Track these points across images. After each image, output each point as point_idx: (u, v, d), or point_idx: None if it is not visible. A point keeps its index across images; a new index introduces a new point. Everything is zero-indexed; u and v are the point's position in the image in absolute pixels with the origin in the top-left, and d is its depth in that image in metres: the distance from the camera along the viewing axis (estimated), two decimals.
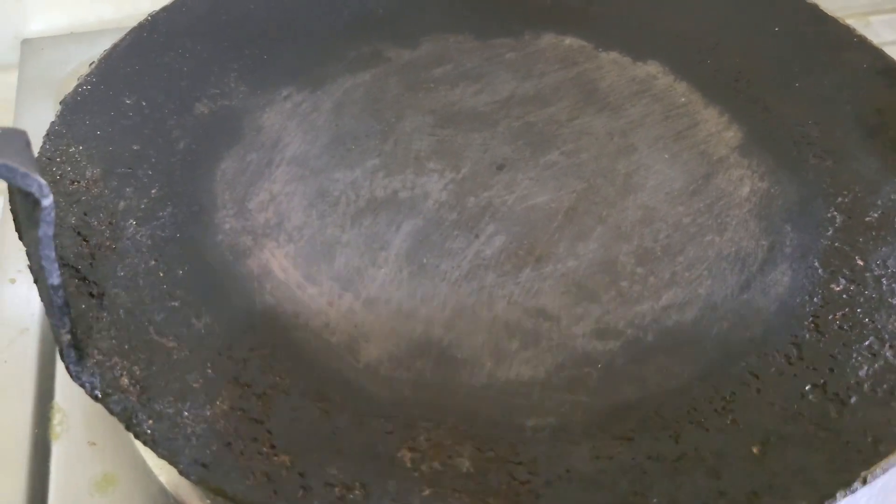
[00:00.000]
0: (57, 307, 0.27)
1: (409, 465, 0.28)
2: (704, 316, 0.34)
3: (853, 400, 0.30)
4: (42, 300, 0.29)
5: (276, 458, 0.28)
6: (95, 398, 0.29)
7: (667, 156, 0.41)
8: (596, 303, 0.34)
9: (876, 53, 0.43)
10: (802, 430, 0.29)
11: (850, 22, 0.49)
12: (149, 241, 0.35)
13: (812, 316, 0.33)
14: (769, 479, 0.28)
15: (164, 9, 0.45)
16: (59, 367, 0.37)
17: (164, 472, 0.33)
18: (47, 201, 0.26)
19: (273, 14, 0.46)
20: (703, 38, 0.46)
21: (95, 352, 0.30)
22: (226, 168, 0.39)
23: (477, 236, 0.37)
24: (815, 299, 0.34)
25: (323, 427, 0.29)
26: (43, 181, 0.26)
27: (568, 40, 0.47)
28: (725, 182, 0.39)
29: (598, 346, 0.33)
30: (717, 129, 0.42)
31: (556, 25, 0.47)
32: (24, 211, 0.27)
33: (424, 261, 0.36)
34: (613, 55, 0.46)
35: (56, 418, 0.35)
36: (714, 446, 0.29)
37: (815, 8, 0.46)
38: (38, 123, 0.42)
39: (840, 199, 0.38)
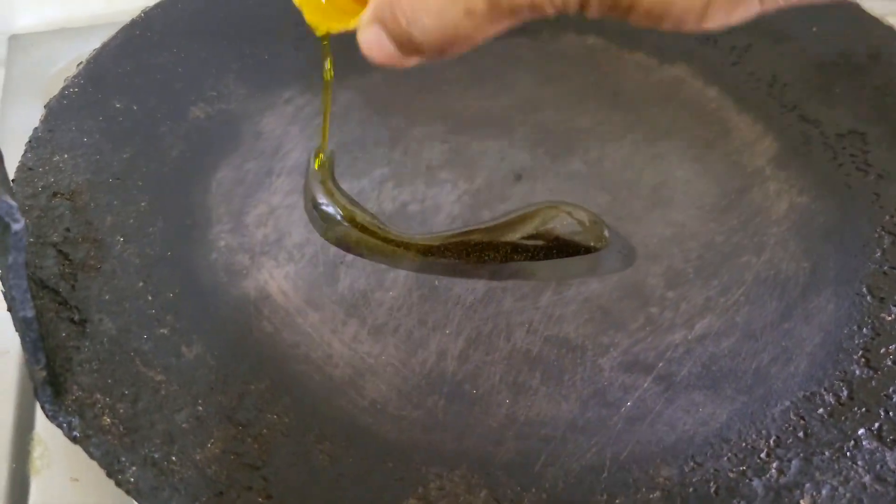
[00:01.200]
0: (31, 341, 0.25)
1: None
2: (743, 347, 0.31)
3: None
4: (17, 331, 0.26)
5: None
6: (74, 440, 0.26)
7: (697, 166, 0.38)
8: (623, 331, 0.31)
9: None
10: (857, 481, 0.26)
11: (893, 21, 0.46)
12: (137, 261, 0.32)
13: (862, 349, 0.30)
14: None
15: (159, 5, 0.42)
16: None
17: None
18: (18, 226, 0.23)
19: (275, 10, 0.43)
20: (734, 39, 0.43)
21: (75, 387, 0.27)
22: (222, 178, 0.36)
23: (493, 256, 0.34)
24: (865, 330, 0.31)
25: (324, 474, 0.27)
26: (13, 203, 0.23)
27: (590, 40, 0.44)
28: (761, 197, 0.36)
29: (626, 380, 0.30)
30: (751, 138, 0.39)
31: (576, 24, 0.44)
32: None
33: (436, 283, 0.33)
34: (638, 56, 0.43)
35: (36, 451, 0.32)
36: (758, 499, 0.26)
37: (856, 7, 0.43)
38: (24, 124, 0.39)
39: (888, 216, 0.35)
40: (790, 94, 0.40)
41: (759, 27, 0.43)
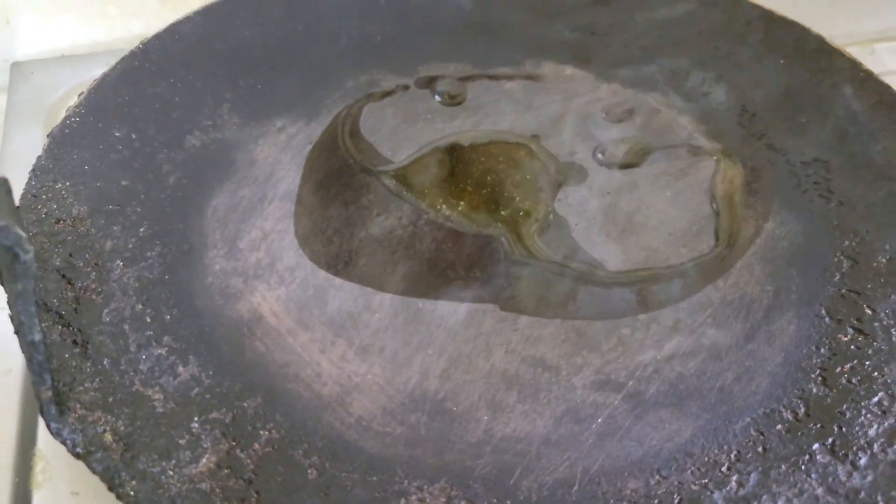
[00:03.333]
0: (37, 363, 0.26)
1: None
2: (708, 367, 0.33)
3: (863, 461, 0.29)
4: (23, 354, 0.28)
5: None
6: (77, 455, 0.28)
7: (669, 193, 0.40)
8: (596, 351, 0.33)
9: (884, 89, 0.42)
10: (810, 493, 0.28)
11: (855, 49, 0.48)
12: (136, 284, 0.34)
13: (819, 368, 0.32)
14: None
15: (157, 36, 0.44)
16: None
17: None
18: (28, 255, 0.25)
19: (269, 42, 0.45)
20: (706, 70, 0.45)
21: (78, 406, 0.29)
22: (217, 204, 0.38)
23: (475, 278, 0.36)
24: (823, 350, 0.33)
25: (313, 486, 0.28)
26: (23, 233, 0.25)
27: (569, 70, 0.46)
28: (729, 222, 0.38)
29: (597, 398, 0.32)
30: (721, 165, 0.41)
31: (556, 55, 0.46)
32: (4, 263, 0.26)
33: (420, 305, 0.35)
34: (615, 86, 0.45)
35: (38, 466, 0.34)
36: None
37: (822, 40, 0.45)
38: (26, 149, 0.41)
39: (847, 242, 0.37)
40: (759, 124, 0.42)
41: (730, 59, 0.45)
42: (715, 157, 0.41)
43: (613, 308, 0.35)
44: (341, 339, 0.33)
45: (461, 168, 0.41)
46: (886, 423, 0.30)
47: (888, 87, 0.43)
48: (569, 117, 0.43)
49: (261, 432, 0.30)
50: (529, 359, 0.33)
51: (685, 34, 0.46)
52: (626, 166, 0.41)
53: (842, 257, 0.36)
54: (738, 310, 0.35)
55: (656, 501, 0.28)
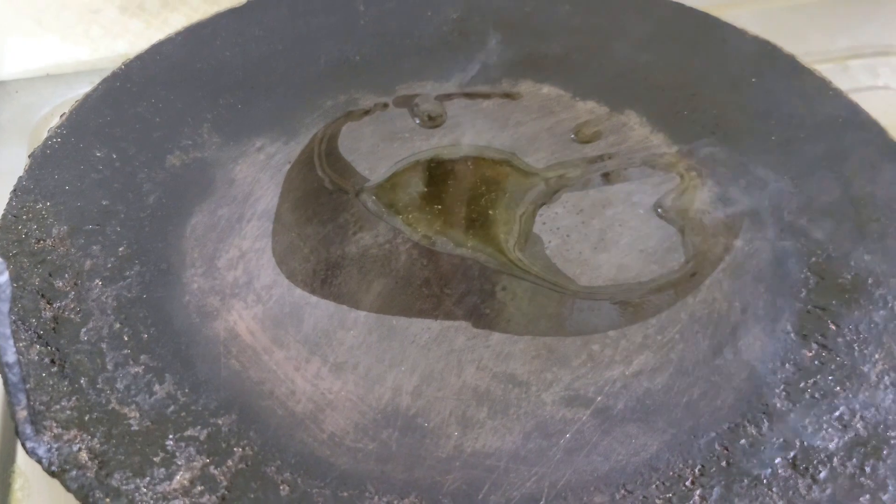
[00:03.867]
0: (12, 384, 0.27)
1: None
2: (675, 382, 0.33)
3: (822, 475, 0.30)
4: None
5: None
6: (52, 474, 0.28)
7: (641, 211, 0.41)
8: (566, 367, 0.34)
9: (853, 108, 0.43)
10: None
11: (829, 66, 0.49)
12: (114, 303, 0.34)
13: (784, 384, 0.33)
14: None
15: (138, 57, 0.45)
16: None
17: None
18: (3, 278, 0.26)
19: (249, 62, 0.46)
20: (680, 89, 0.46)
21: (54, 424, 0.30)
22: (196, 223, 0.39)
23: (448, 296, 0.36)
24: (787, 366, 0.34)
25: (284, 501, 0.29)
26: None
27: (545, 89, 0.47)
28: (700, 240, 0.39)
29: (566, 414, 0.32)
30: (693, 182, 0.42)
31: (534, 73, 0.47)
32: None
33: (394, 322, 0.35)
34: (591, 104, 0.46)
35: (17, 482, 0.34)
36: None
37: (793, 59, 0.46)
38: (10, 168, 0.42)
39: (814, 258, 0.38)
40: (731, 141, 0.43)
41: (705, 78, 0.46)
42: (686, 176, 0.42)
43: (584, 324, 0.36)
44: (316, 356, 0.34)
45: (438, 185, 0.41)
46: (847, 437, 0.30)
47: (858, 106, 0.44)
48: (544, 135, 0.44)
49: (235, 449, 0.30)
50: (500, 375, 0.34)
51: (660, 55, 0.47)
52: (602, 184, 0.42)
53: (808, 273, 0.37)
54: (707, 325, 0.35)
55: None
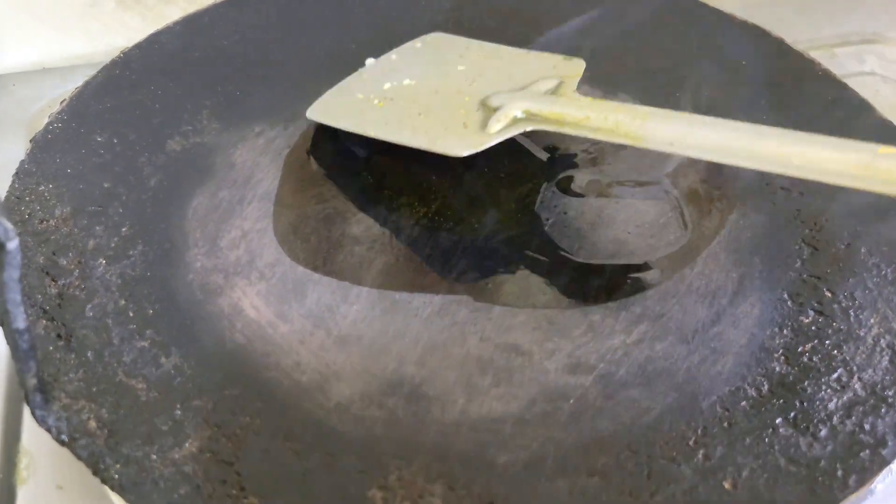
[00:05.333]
0: (22, 351, 0.27)
1: None
2: (676, 350, 0.34)
3: (823, 433, 0.30)
4: (7, 343, 0.28)
5: (245, 500, 0.28)
6: (62, 443, 0.29)
7: (638, 189, 0.41)
8: (567, 337, 0.34)
9: (840, 86, 0.44)
10: (773, 464, 0.29)
11: (817, 54, 0.50)
12: (118, 281, 0.35)
13: (782, 348, 0.33)
14: None
15: (137, 46, 0.45)
16: (27, 408, 0.36)
17: None
18: (13, 244, 0.26)
19: (247, 50, 0.46)
20: (671, 72, 0.46)
21: (62, 395, 0.30)
22: (197, 205, 0.39)
23: (450, 272, 0.37)
24: (785, 331, 0.34)
25: (293, 468, 0.29)
26: (9, 225, 0.25)
27: None
28: (696, 214, 0.40)
29: (570, 380, 0.33)
30: (686, 161, 0.42)
31: None
32: None
33: (397, 297, 0.36)
34: (584, 88, 0.46)
35: (23, 462, 0.34)
36: (686, 482, 0.29)
37: (781, 42, 0.47)
38: (8, 160, 0.42)
39: (808, 230, 0.38)
40: None
41: (695, 61, 0.47)
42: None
43: (584, 297, 0.36)
44: (320, 329, 0.34)
45: (437, 165, 0.42)
46: (845, 397, 0.31)
47: (845, 85, 0.45)
48: None
49: (242, 418, 0.30)
50: (503, 345, 0.34)
51: (652, 39, 0.48)
52: (596, 164, 0.42)
53: (803, 245, 0.38)
54: (704, 296, 0.36)
55: (626, 474, 0.29)
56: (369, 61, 0.45)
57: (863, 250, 0.37)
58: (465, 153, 0.37)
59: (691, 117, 0.36)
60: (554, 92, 0.39)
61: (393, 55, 0.45)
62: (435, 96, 0.41)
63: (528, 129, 0.37)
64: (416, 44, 0.46)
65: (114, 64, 0.44)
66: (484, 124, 0.38)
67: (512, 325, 0.35)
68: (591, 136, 0.36)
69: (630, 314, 0.35)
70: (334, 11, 0.48)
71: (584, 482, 0.29)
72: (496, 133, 0.37)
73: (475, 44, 0.45)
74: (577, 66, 0.41)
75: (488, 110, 0.39)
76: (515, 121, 0.38)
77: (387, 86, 0.42)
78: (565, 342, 0.34)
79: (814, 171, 0.32)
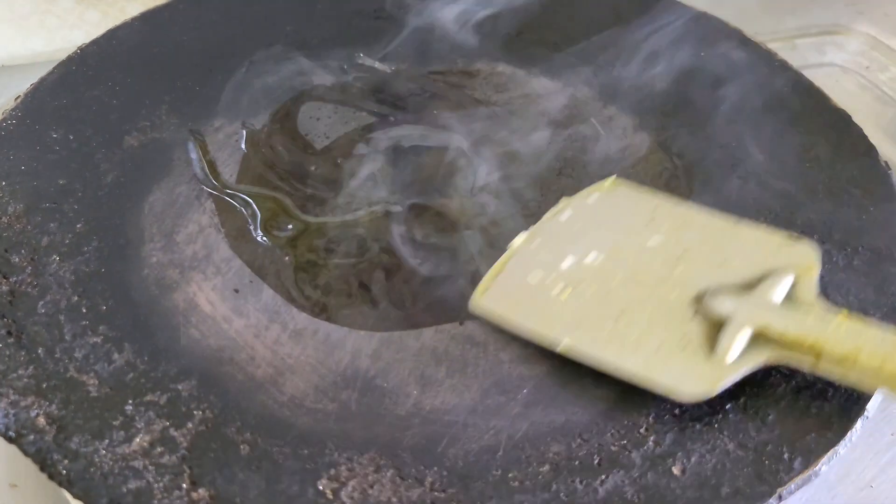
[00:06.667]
0: None
1: (329, 495, 0.28)
2: None
3: (771, 417, 0.30)
4: None
5: (195, 494, 0.28)
6: (9, 439, 0.28)
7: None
8: None
9: (797, 77, 0.45)
10: (722, 448, 0.30)
11: (777, 45, 0.50)
12: (72, 277, 0.34)
13: None
14: (691, 499, 0.28)
15: (94, 42, 0.45)
16: None
17: None
18: None
19: (206, 45, 0.46)
20: (626, 65, 0.46)
21: (10, 391, 0.29)
22: (154, 201, 0.39)
23: (404, 265, 0.37)
24: None
25: (245, 461, 0.29)
26: None
27: (500, 66, 0.47)
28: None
29: (523, 371, 0.33)
30: (648, 152, 0.43)
31: (489, 53, 0.48)
32: None
33: (353, 291, 0.36)
34: (544, 81, 0.47)
35: None
36: (637, 469, 0.29)
37: (740, 33, 0.47)
38: None
39: (762, 218, 0.38)
40: (683, 113, 0.44)
41: (655, 55, 0.47)
42: (642, 144, 0.43)
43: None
44: (275, 324, 0.34)
45: (397, 164, 0.42)
46: (793, 382, 0.31)
47: (802, 75, 0.45)
48: (500, 112, 0.45)
49: (195, 412, 0.30)
50: (458, 336, 0.34)
51: (609, 30, 0.48)
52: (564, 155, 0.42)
53: None
54: None
55: (577, 462, 0.29)
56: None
57: (814, 237, 0.37)
58: (696, 397, 0.29)
59: None
60: (792, 298, 0.31)
61: (566, 214, 0.36)
62: (632, 286, 0.33)
63: (771, 362, 0.30)
64: (589, 199, 0.37)
65: (70, 60, 0.43)
66: (708, 343, 0.30)
67: (468, 317, 0.35)
68: (854, 382, 0.29)
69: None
70: (294, 4, 0.48)
71: (535, 471, 0.29)
72: (733, 366, 0.30)
73: (663, 203, 0.37)
74: (811, 255, 0.33)
75: (708, 319, 0.31)
76: (752, 345, 0.30)
77: (566, 263, 0.34)
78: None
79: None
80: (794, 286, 0.31)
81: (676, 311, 0.31)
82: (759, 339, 0.30)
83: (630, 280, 0.33)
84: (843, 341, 0.29)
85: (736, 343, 0.30)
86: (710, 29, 0.47)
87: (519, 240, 0.36)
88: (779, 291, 0.31)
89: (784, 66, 0.45)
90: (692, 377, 0.30)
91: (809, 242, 0.34)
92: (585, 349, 0.32)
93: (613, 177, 0.39)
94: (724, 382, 0.29)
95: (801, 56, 0.57)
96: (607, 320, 0.32)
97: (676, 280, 0.33)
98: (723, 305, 0.31)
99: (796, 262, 0.32)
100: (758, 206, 0.39)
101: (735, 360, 0.30)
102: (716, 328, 0.30)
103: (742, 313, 0.30)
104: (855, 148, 0.41)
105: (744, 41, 0.47)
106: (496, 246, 0.37)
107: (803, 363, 0.29)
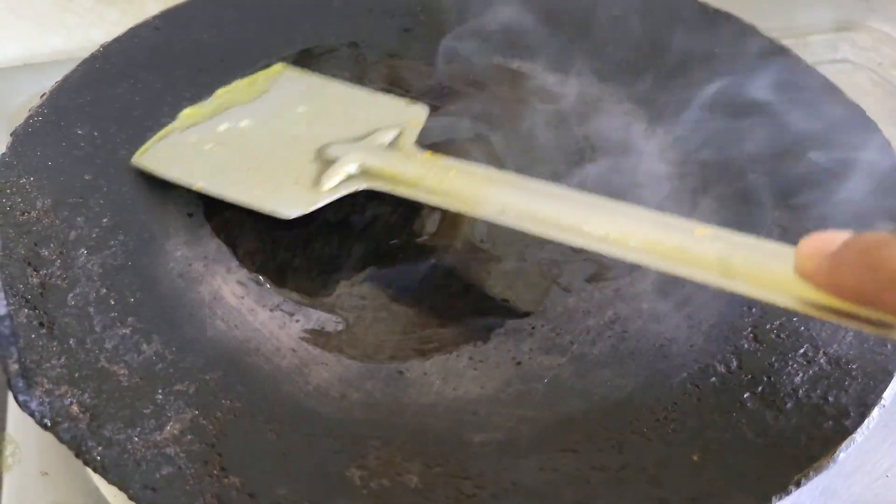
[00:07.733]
0: (3, 337, 0.28)
1: (358, 482, 0.29)
2: (647, 330, 0.35)
3: (789, 406, 0.31)
4: None
5: (226, 480, 0.28)
6: (45, 427, 0.29)
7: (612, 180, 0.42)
8: (543, 318, 0.35)
9: (810, 72, 0.45)
10: (740, 436, 0.30)
11: (790, 42, 0.51)
12: (100, 270, 0.35)
13: (751, 326, 0.34)
14: (708, 485, 0.29)
15: (116, 40, 0.45)
16: (12, 397, 0.36)
17: (117, 501, 0.33)
18: None
19: (226, 42, 0.47)
20: (639, 59, 0.47)
21: (45, 380, 0.30)
22: (178, 196, 0.39)
23: (430, 257, 0.38)
24: (754, 310, 0.35)
25: (273, 449, 0.30)
26: None
27: (515, 63, 0.48)
28: (674, 205, 0.40)
29: (544, 360, 0.34)
30: (662, 147, 0.43)
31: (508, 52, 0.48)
32: None
33: (377, 282, 0.36)
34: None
35: (8, 449, 0.35)
36: (656, 455, 0.30)
37: (753, 29, 0.48)
38: None
39: (777, 213, 0.39)
40: (694, 113, 0.44)
41: (669, 49, 0.47)
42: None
43: (559, 283, 0.37)
44: (300, 315, 0.35)
45: None
46: (811, 371, 0.32)
47: (814, 70, 0.45)
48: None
49: (223, 402, 0.31)
50: (479, 328, 0.35)
51: (624, 29, 0.48)
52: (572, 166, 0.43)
53: (772, 226, 0.38)
54: (676, 278, 0.37)
55: (598, 449, 0.30)
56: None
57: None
58: (292, 215, 0.35)
59: (532, 185, 0.33)
60: (393, 144, 0.37)
61: (232, 93, 0.42)
62: (271, 142, 0.39)
63: (363, 187, 0.35)
64: (260, 77, 0.43)
65: (93, 58, 0.44)
66: (317, 179, 0.36)
67: (490, 308, 0.35)
68: (424, 199, 0.34)
69: (604, 296, 0.36)
70: (312, 4, 0.49)
71: (556, 458, 0.30)
72: (328, 191, 0.35)
73: (322, 82, 0.42)
74: (420, 114, 0.38)
75: (324, 162, 0.36)
76: (350, 177, 0.36)
77: (222, 127, 0.40)
78: (541, 322, 0.35)
79: (629, 250, 0.31)
80: (399, 136, 0.37)
81: (299, 158, 0.37)
82: (364, 174, 0.36)
83: (271, 137, 0.39)
84: (415, 168, 0.35)
85: (336, 175, 0.35)
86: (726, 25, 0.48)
87: (186, 111, 0.41)
88: (383, 139, 0.37)
89: (798, 62, 0.46)
90: (295, 201, 0.35)
91: (422, 105, 0.39)
92: (215, 189, 0.37)
93: (280, 63, 0.44)
94: (318, 202, 0.35)
95: (814, 53, 0.57)
96: (240, 168, 0.37)
97: (307, 136, 0.38)
98: (336, 150, 0.37)
99: (406, 118, 0.38)
100: (773, 199, 0.39)
101: (333, 186, 0.35)
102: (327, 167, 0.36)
103: (349, 155, 0.36)
104: None
105: (757, 38, 0.47)
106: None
107: (386, 188, 0.35)
